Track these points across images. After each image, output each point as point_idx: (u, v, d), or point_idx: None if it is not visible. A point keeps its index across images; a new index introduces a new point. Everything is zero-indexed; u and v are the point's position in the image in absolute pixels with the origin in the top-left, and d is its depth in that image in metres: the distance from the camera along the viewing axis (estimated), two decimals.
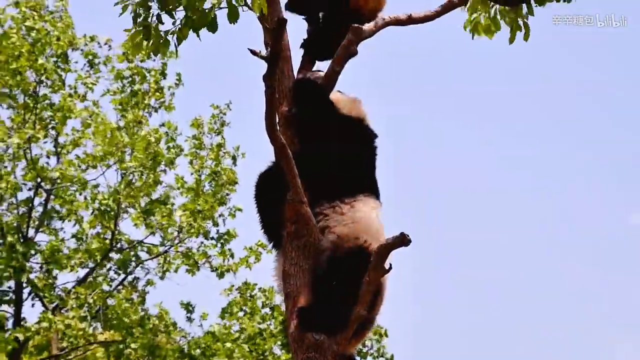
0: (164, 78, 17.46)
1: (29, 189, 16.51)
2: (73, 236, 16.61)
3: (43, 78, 16.55)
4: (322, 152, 6.21)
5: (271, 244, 6.39)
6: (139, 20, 5.09)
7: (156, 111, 17.48)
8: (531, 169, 23.10)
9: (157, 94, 17.30)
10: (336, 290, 5.86)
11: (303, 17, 6.71)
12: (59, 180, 16.40)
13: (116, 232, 16.61)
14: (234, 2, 5.04)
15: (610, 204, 23.01)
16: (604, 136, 23.20)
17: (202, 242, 17.17)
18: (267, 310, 17.22)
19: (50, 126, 16.57)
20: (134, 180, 16.80)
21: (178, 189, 17.24)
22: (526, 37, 7.17)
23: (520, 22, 7.09)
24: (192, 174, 17.36)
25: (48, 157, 16.72)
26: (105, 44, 17.33)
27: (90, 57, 17.15)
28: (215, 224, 17.21)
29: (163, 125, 17.42)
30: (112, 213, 16.45)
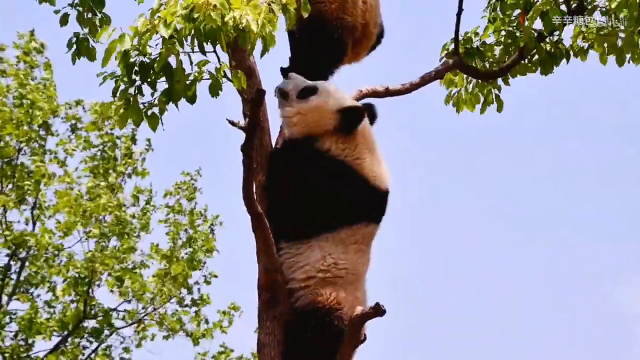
0: (135, 144, 17.48)
1: (6, 256, 16.43)
2: (46, 303, 16.48)
3: (23, 146, 16.57)
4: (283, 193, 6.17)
5: None
6: (119, 91, 5.19)
7: (130, 177, 17.47)
8: (517, 239, 23.23)
9: (128, 160, 17.31)
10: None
11: None
12: (33, 248, 16.33)
13: (89, 299, 16.47)
14: (216, 76, 5.13)
15: (592, 282, 23.10)
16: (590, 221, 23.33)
17: (176, 310, 17.07)
18: None
19: (27, 194, 16.51)
20: (107, 246, 16.72)
21: (151, 257, 17.14)
22: (499, 109, 7.32)
23: (494, 95, 7.26)
24: (168, 242, 17.30)
25: (27, 223, 16.67)
26: (90, 109, 17.32)
27: (73, 121, 17.14)
28: (190, 291, 17.13)
29: (141, 192, 17.40)
30: (86, 281, 16.35)
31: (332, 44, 6.61)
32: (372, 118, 6.37)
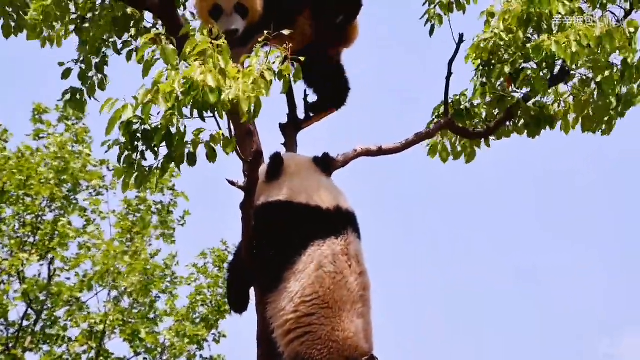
0: (169, 213, 17.82)
1: (26, 307, 16.74)
2: (59, 357, 16.70)
3: (50, 203, 16.96)
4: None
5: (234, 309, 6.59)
6: (123, 157, 5.55)
7: (158, 238, 17.81)
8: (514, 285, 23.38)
9: (161, 225, 17.67)
10: None
11: None
12: (49, 302, 16.65)
13: (102, 351, 16.69)
14: (210, 144, 5.54)
15: (582, 333, 23.15)
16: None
17: None
18: None
19: (46, 251, 16.84)
20: (124, 304, 17.01)
21: (167, 314, 17.37)
22: (468, 161, 7.61)
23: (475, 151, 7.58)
24: (191, 301, 17.51)
25: (51, 278, 16.96)
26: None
27: (97, 179, 17.51)
28: (201, 347, 17.30)
29: (156, 254, 17.67)
30: (98, 333, 16.61)
31: None
32: (327, 166, 6.64)
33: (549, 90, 7.05)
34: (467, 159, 7.58)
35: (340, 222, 6.25)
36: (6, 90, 22.18)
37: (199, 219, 19.09)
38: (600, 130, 7.12)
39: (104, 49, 7.01)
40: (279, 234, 6.20)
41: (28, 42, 6.93)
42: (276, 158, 6.48)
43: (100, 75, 6.94)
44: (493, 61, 7.01)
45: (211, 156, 5.55)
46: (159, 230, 17.66)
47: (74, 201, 17.16)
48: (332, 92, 7.31)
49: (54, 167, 16.72)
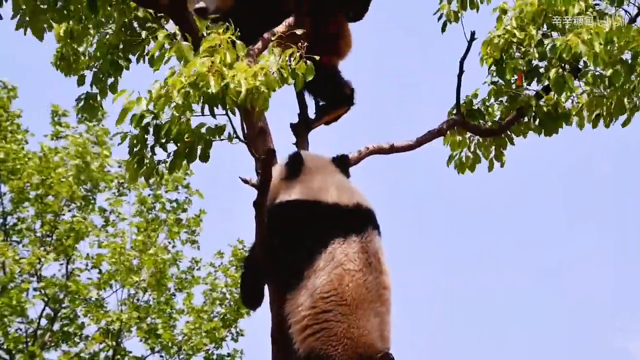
0: (183, 211, 17.94)
1: (44, 305, 16.89)
2: (76, 355, 16.82)
3: (68, 203, 17.11)
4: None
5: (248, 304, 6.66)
6: (135, 150, 5.58)
7: (184, 243, 17.90)
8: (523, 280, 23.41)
9: (177, 225, 17.78)
10: None
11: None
12: (66, 301, 16.79)
13: (119, 349, 16.80)
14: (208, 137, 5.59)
15: (597, 328, 23.14)
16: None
17: None
18: None
19: (67, 250, 16.97)
20: (139, 301, 17.13)
21: (184, 312, 17.47)
22: (502, 164, 7.59)
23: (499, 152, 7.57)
24: (206, 299, 17.63)
25: (69, 276, 17.10)
26: None
27: (119, 179, 17.64)
28: (219, 346, 17.37)
29: (180, 256, 17.77)
30: (115, 331, 16.73)
31: None
32: (345, 165, 6.69)
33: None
34: (502, 164, 7.57)
35: (361, 220, 6.30)
36: (24, 90, 22.42)
37: (215, 217, 19.24)
38: (616, 122, 7.14)
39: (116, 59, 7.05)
40: (300, 232, 6.24)
41: (43, 42, 7.00)
42: (296, 157, 6.54)
43: (112, 79, 7.00)
44: (506, 59, 7.00)
45: (206, 147, 5.59)
46: (184, 235, 17.78)
47: (92, 201, 17.32)
48: (338, 92, 7.32)
49: (76, 167, 16.87)
